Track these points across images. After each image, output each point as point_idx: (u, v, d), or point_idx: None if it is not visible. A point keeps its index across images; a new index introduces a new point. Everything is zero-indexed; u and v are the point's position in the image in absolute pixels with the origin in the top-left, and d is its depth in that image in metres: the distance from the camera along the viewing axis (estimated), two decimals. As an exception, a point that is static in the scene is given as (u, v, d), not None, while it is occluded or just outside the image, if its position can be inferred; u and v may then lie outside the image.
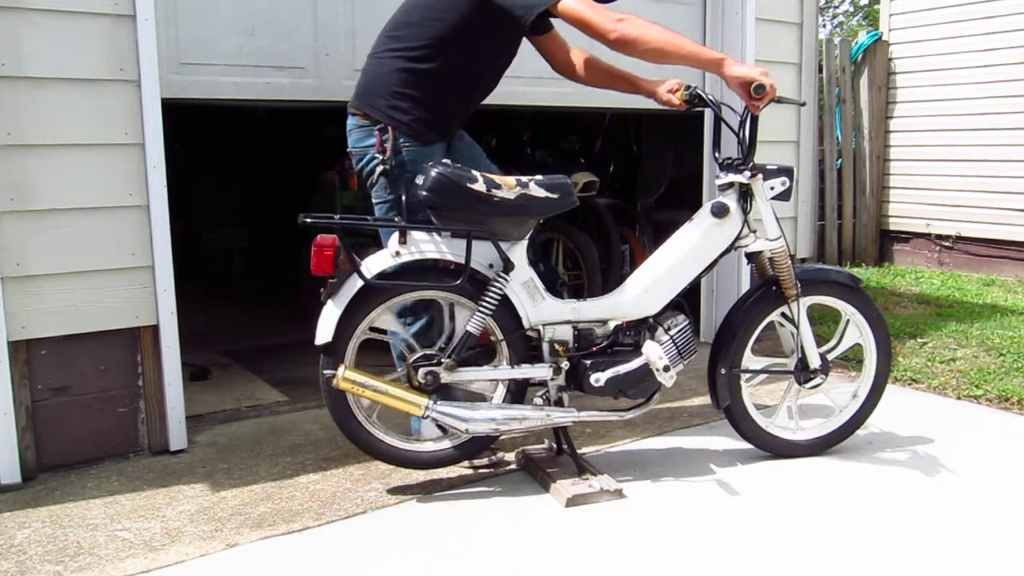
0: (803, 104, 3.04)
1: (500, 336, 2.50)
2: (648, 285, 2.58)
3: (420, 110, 2.49)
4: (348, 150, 2.61)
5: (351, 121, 2.58)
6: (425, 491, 2.54)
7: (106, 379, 2.76)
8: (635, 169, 5.05)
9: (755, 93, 2.42)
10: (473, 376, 2.50)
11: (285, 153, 6.64)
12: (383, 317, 2.46)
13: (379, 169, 2.49)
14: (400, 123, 2.48)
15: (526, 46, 2.75)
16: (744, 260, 2.97)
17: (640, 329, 2.58)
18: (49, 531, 2.29)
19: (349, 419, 2.48)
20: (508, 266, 2.44)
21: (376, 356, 2.64)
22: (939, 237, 6.39)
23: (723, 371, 2.66)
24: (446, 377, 2.45)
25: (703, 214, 2.62)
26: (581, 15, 2.38)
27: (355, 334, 2.43)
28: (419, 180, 2.36)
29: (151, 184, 2.71)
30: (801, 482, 2.61)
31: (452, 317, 2.54)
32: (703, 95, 2.69)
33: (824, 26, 15.79)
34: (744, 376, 2.70)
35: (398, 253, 2.38)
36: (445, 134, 2.60)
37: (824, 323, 3.80)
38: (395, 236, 2.39)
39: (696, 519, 2.36)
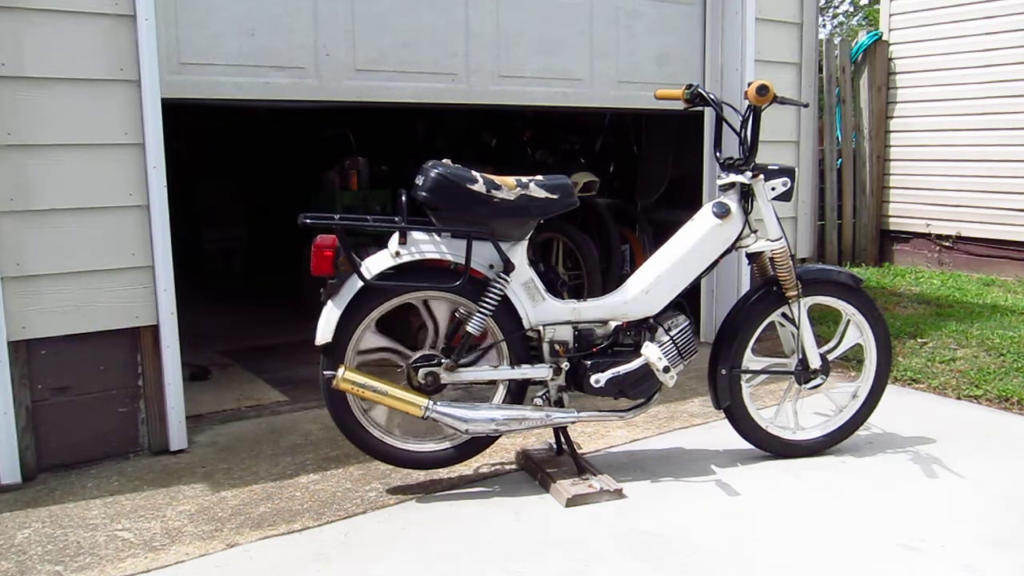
0: (806, 105, 3.04)
1: (500, 336, 2.50)
2: (648, 285, 2.58)
3: None
4: None
5: None
6: (425, 491, 2.54)
7: (106, 379, 2.76)
8: (635, 169, 5.05)
9: None
10: (473, 377, 2.50)
11: (285, 153, 6.63)
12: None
13: None
14: None
15: (527, 46, 2.74)
16: (744, 260, 2.97)
17: (640, 329, 2.58)
18: (49, 531, 2.29)
19: (349, 419, 2.48)
20: (508, 267, 2.43)
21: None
22: (939, 237, 6.39)
23: (723, 371, 2.66)
24: (446, 378, 2.45)
25: (704, 214, 2.62)
26: None
27: (355, 335, 2.43)
28: (418, 180, 2.36)
29: (151, 184, 2.71)
30: (801, 482, 2.61)
31: (452, 317, 2.54)
32: (704, 93, 2.68)
33: (824, 26, 15.78)
34: (744, 376, 2.70)
35: (398, 254, 2.38)
36: None
37: (824, 323, 3.80)
38: (395, 237, 2.39)
39: (696, 519, 2.36)
